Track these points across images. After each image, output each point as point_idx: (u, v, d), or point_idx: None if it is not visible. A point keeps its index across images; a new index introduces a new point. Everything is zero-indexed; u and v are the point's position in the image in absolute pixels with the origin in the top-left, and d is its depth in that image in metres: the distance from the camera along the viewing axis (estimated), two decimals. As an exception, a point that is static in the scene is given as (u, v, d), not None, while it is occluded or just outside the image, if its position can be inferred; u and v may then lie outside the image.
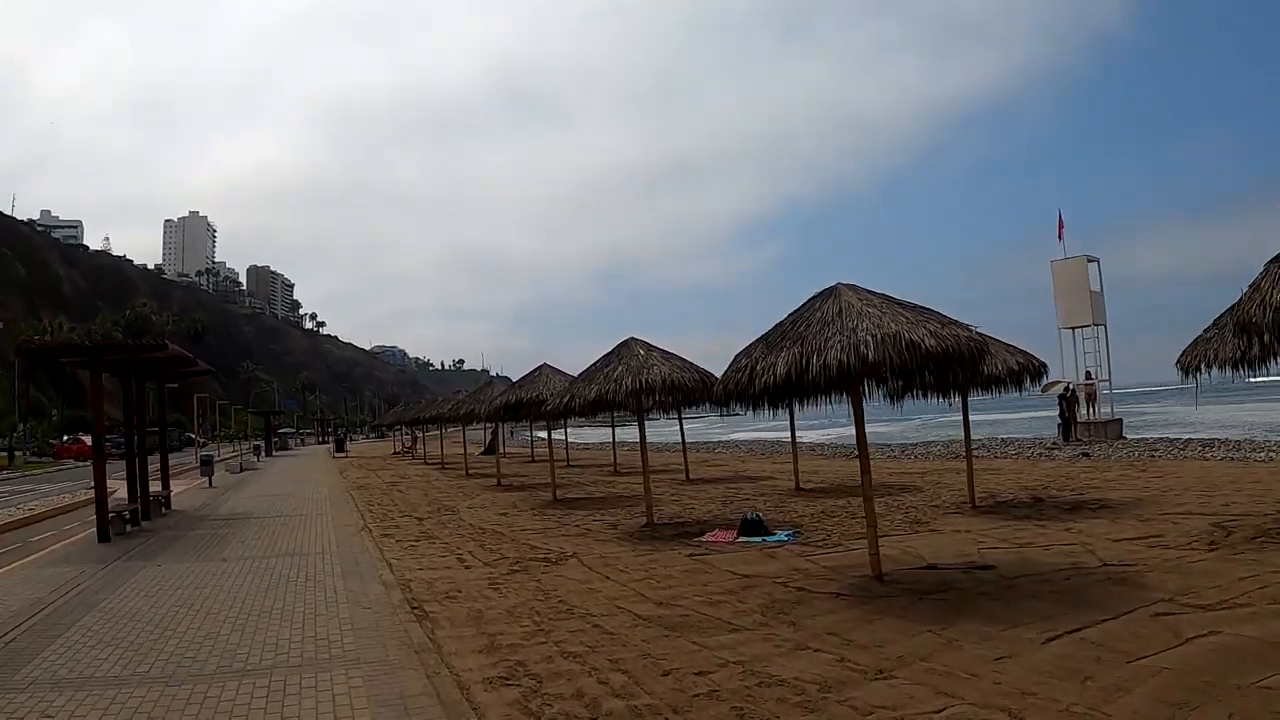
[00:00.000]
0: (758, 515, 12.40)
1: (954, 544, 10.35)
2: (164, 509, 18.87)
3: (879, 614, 7.17)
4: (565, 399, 13.40)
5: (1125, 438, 28.90)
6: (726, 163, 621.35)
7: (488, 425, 36.43)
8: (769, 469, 25.82)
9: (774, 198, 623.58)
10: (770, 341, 8.66)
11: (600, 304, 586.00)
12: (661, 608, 7.86)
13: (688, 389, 12.71)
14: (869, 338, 8.07)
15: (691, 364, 13.31)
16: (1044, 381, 14.59)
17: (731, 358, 9.19)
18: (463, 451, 34.49)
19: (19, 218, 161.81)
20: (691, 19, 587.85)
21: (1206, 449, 22.71)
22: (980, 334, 8.91)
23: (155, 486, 19.34)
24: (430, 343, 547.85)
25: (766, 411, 9.24)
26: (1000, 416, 54.02)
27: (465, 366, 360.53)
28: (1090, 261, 30.87)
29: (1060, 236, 31.55)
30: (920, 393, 11.92)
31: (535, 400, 18.11)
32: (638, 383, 12.46)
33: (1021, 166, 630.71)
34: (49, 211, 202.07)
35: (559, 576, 9.62)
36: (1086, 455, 23.39)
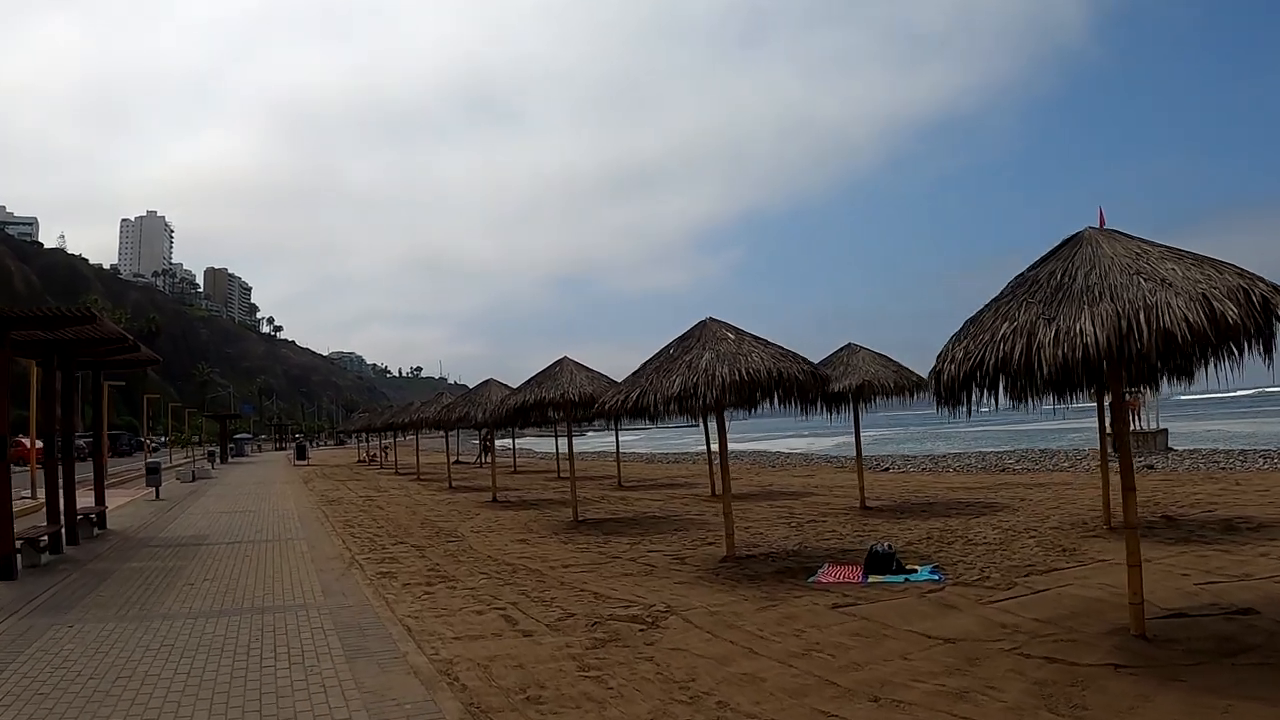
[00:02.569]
0: (888, 546, 9.37)
1: (1151, 579, 7.72)
2: (96, 529, 15.34)
3: (1216, 695, 4.84)
4: (635, 395, 9.90)
5: (1173, 449, 27.67)
6: (686, 170, 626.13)
7: (454, 432, 32.74)
8: (795, 483, 23.02)
9: (733, 206, 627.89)
10: (1033, 301, 5.57)
11: (556, 310, 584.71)
12: (884, 709, 4.87)
13: (798, 383, 9.54)
14: (1214, 291, 5.10)
15: (792, 351, 10.14)
16: None
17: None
18: (445, 461, 31.04)
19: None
20: (654, 26, 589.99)
21: (1267, 460, 21.60)
22: None
23: (88, 500, 15.87)
24: (385, 347, 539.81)
25: (1042, 401, 6.13)
26: (961, 430, 51.00)
27: (424, 374, 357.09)
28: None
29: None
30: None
31: (559, 400, 14.86)
32: (736, 374, 9.21)
33: (976, 180, 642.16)
34: (3, 207, 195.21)
35: (675, 650, 6.40)
36: (1151, 467, 21.49)
